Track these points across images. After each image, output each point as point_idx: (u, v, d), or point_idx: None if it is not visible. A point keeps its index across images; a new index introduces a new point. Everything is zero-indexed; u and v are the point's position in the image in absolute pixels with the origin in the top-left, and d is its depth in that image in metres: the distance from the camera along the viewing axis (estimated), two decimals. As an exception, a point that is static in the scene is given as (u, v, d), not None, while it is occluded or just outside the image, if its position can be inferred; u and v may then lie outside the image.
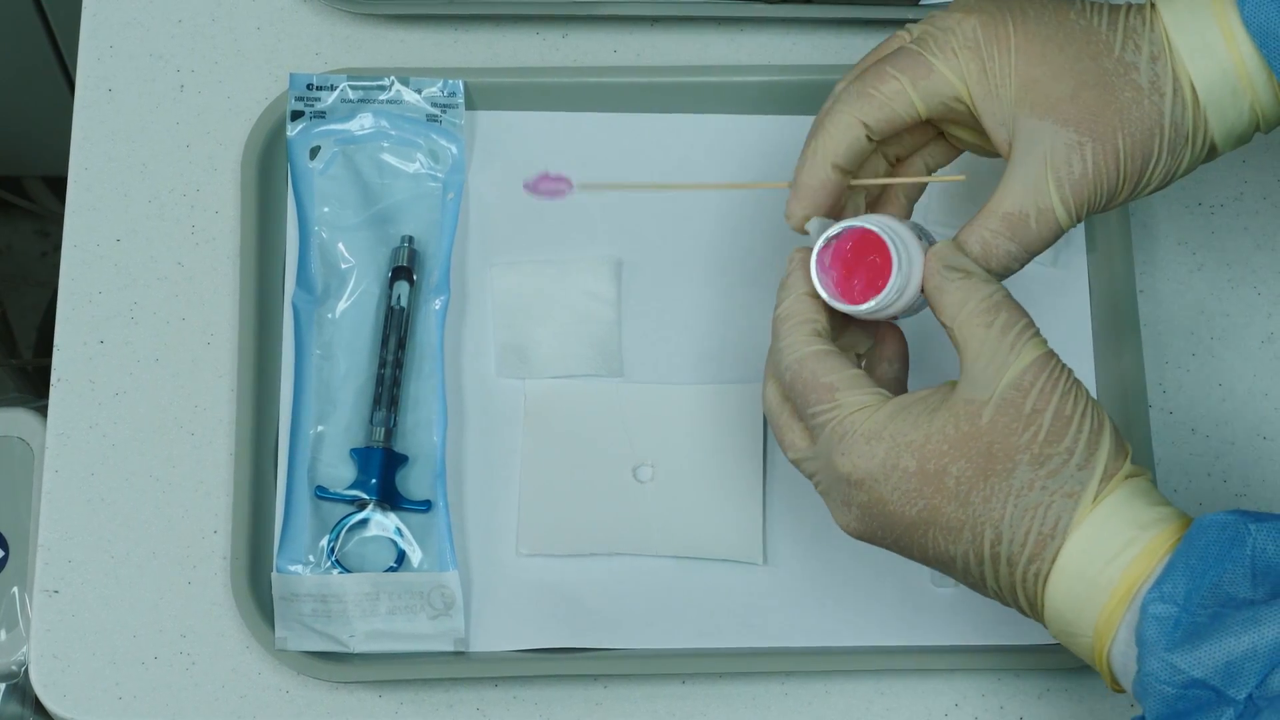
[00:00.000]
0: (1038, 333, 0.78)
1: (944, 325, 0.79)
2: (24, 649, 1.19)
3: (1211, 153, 0.83)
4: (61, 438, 0.97)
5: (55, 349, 0.98)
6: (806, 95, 1.01)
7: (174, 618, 0.95)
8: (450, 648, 0.94)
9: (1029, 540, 0.76)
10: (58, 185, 1.84)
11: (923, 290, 0.81)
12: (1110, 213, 0.99)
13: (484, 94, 1.01)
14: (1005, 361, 0.77)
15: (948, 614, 0.95)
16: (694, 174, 1.01)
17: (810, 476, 0.82)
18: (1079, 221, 0.82)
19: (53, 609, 0.95)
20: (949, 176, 0.86)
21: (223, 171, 1.01)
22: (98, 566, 0.95)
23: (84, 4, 1.04)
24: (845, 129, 0.82)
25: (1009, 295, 0.79)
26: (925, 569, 0.95)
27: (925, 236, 0.82)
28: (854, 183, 0.84)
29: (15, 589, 1.19)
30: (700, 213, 1.01)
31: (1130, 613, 0.75)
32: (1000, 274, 0.82)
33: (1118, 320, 0.98)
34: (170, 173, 1.01)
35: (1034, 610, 0.78)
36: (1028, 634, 0.94)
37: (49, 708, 0.94)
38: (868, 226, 0.80)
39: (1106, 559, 0.75)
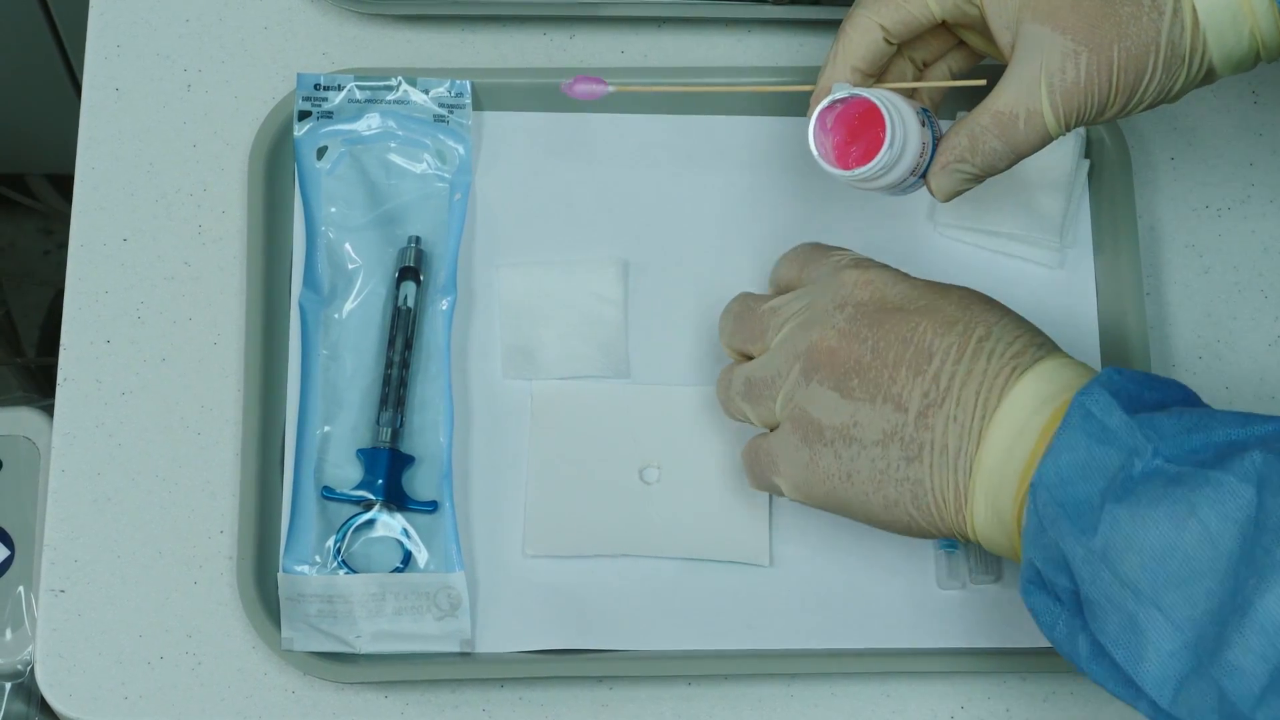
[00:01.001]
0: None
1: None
2: (30, 648, 1.18)
3: (1209, 76, 0.85)
4: (68, 437, 0.97)
5: (62, 348, 0.98)
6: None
7: (180, 618, 0.95)
8: (456, 649, 0.94)
9: (1017, 342, 0.81)
10: (61, 183, 1.84)
11: (924, 177, 0.86)
12: (1117, 216, 0.99)
13: (491, 95, 1.01)
14: None
15: (953, 617, 0.95)
16: (702, 175, 1.01)
17: (784, 317, 0.86)
18: (1067, 130, 0.84)
19: (59, 608, 0.95)
20: (970, 82, 0.88)
21: (230, 171, 1.01)
22: (104, 566, 0.95)
23: (91, 3, 1.04)
24: (864, 32, 0.86)
25: None
26: (931, 573, 0.95)
27: (931, 124, 0.86)
28: (876, 86, 0.87)
29: (21, 588, 1.19)
30: (707, 213, 1.01)
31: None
32: (986, 171, 0.85)
33: (1124, 323, 0.98)
34: (177, 172, 1.01)
35: (985, 412, 0.80)
36: (1034, 637, 0.94)
37: (54, 707, 0.94)
38: (872, 99, 0.84)
39: (1083, 373, 0.80)
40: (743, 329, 0.88)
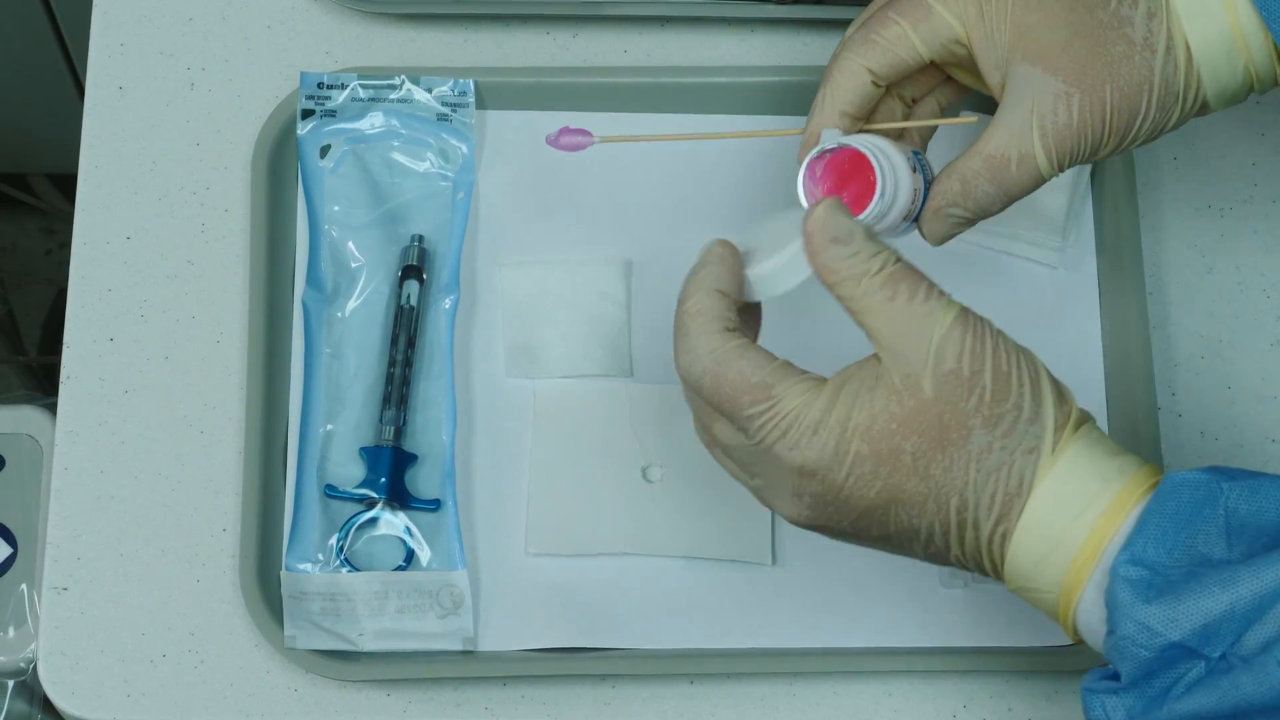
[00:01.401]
0: (942, 292, 0.76)
1: (841, 301, 0.77)
2: (32, 646, 1.18)
3: (1203, 109, 0.83)
4: (71, 435, 0.97)
5: (65, 346, 0.98)
6: (813, 96, 1.01)
7: (183, 615, 0.95)
8: (459, 647, 0.94)
9: (995, 502, 0.75)
10: (63, 183, 1.84)
11: (916, 220, 0.83)
12: (1120, 216, 0.99)
13: (494, 93, 1.01)
14: (924, 330, 0.75)
15: (956, 615, 0.95)
16: (705, 175, 1.01)
17: (744, 471, 0.79)
18: (1060, 171, 0.82)
19: (61, 606, 0.95)
20: (962, 119, 0.87)
21: (233, 170, 1.01)
22: (106, 564, 0.95)
23: (95, 2, 1.04)
24: (851, 76, 0.83)
25: (900, 259, 0.77)
26: (934, 572, 0.95)
27: (922, 168, 0.84)
28: (866, 127, 0.85)
29: (24, 586, 1.19)
30: (710, 213, 1.01)
31: (1098, 571, 0.74)
32: (979, 215, 0.83)
33: (1127, 323, 0.98)
34: (180, 171, 1.01)
35: (996, 571, 0.77)
36: (1037, 636, 0.94)
37: (57, 705, 0.94)
38: (862, 150, 0.81)
39: (1072, 515, 0.74)
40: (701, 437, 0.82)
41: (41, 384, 1.68)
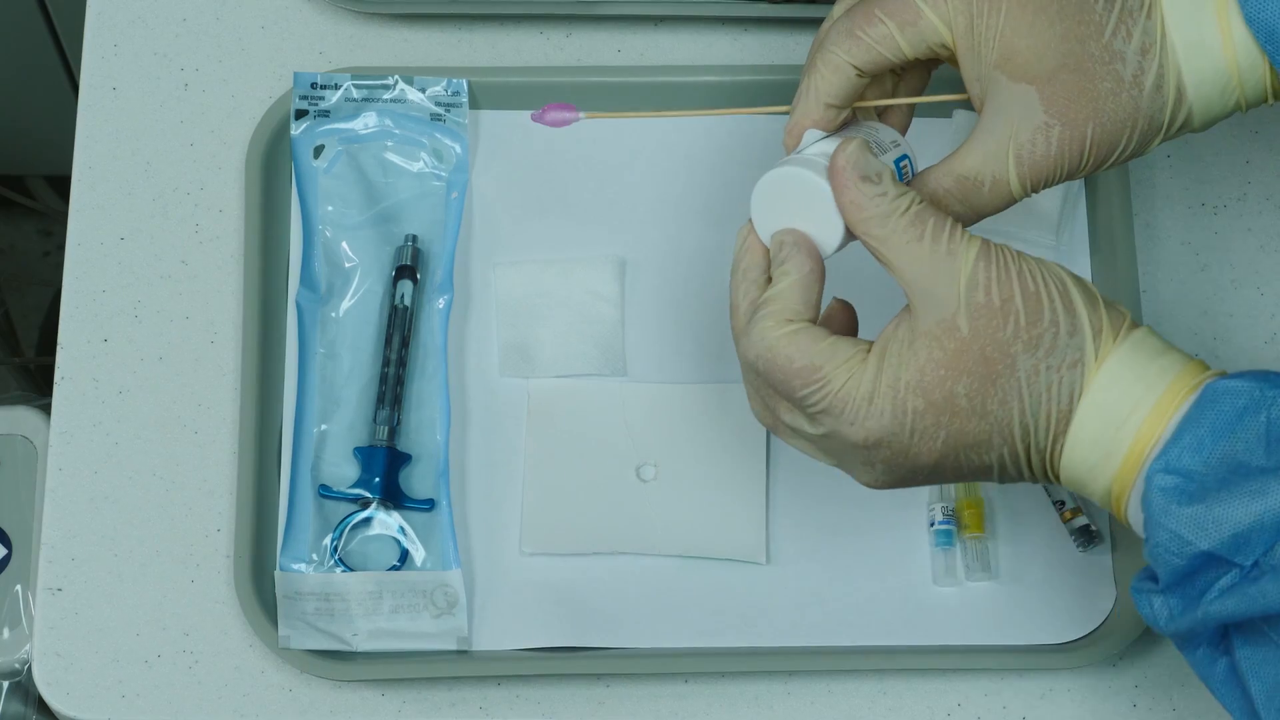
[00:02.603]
0: (964, 229, 0.78)
1: (870, 242, 0.78)
2: (27, 647, 1.19)
3: (1185, 131, 0.83)
4: (65, 436, 0.97)
5: (59, 347, 0.98)
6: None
7: (177, 616, 0.95)
8: (453, 646, 0.94)
9: (1051, 420, 0.76)
10: (60, 184, 1.84)
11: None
12: (1113, 213, 0.99)
13: (488, 93, 1.01)
14: (952, 269, 0.76)
15: (950, 614, 0.95)
16: (699, 174, 1.01)
17: (815, 448, 0.80)
18: (1032, 194, 0.82)
19: (56, 607, 0.95)
20: (951, 96, 0.85)
21: (227, 170, 1.01)
22: (101, 564, 0.95)
23: (89, 3, 1.04)
24: (835, 70, 0.83)
25: (923, 200, 0.78)
26: (928, 571, 0.95)
27: (903, 175, 0.83)
28: (857, 104, 0.85)
29: (18, 587, 1.19)
30: (704, 211, 1.01)
31: (1140, 478, 0.75)
32: None
33: (1121, 321, 0.98)
34: (174, 171, 1.01)
35: (1059, 479, 0.78)
36: (1030, 634, 0.94)
37: (52, 706, 0.94)
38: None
39: (1117, 424, 0.76)
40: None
41: (39, 385, 1.68)
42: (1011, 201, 0.82)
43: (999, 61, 0.80)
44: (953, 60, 0.83)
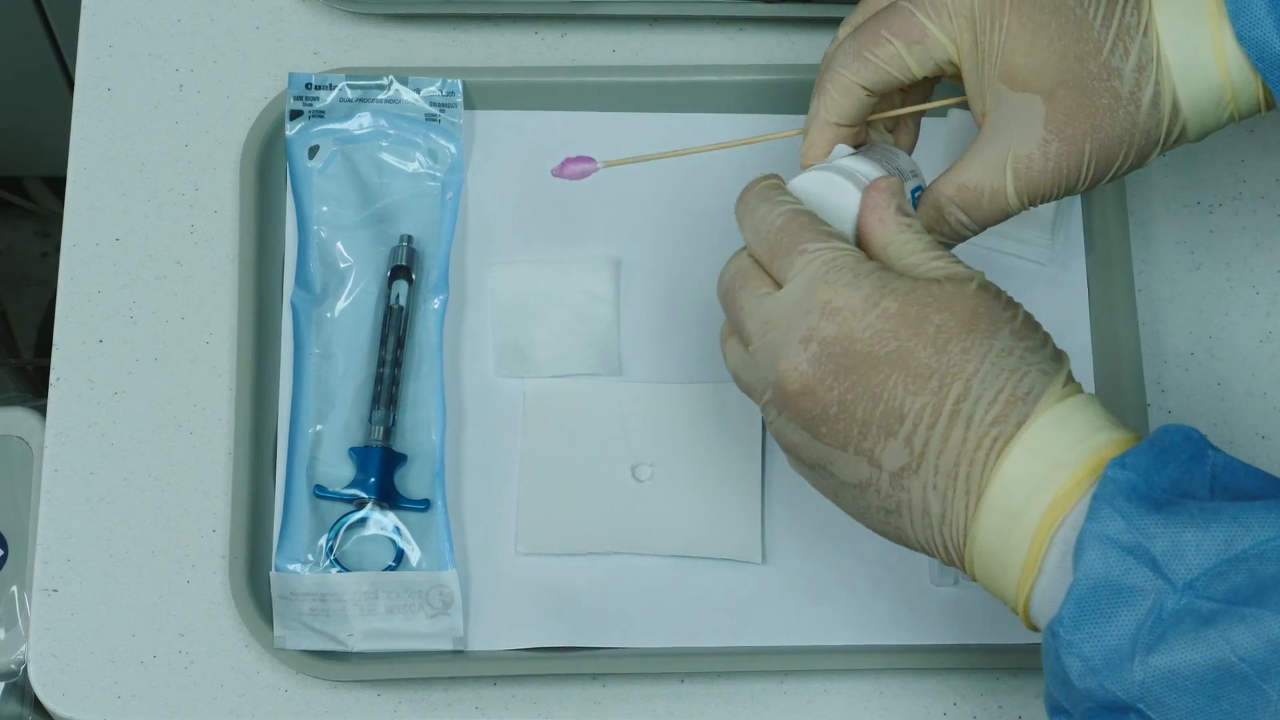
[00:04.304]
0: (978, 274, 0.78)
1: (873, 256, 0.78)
2: (23, 648, 1.19)
3: (1180, 143, 0.83)
4: (60, 437, 0.97)
5: (54, 348, 0.98)
6: (806, 95, 1.01)
7: (173, 617, 0.95)
8: (449, 647, 0.94)
9: (999, 400, 0.73)
10: (58, 185, 1.84)
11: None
12: (1109, 213, 0.99)
13: (483, 93, 1.01)
14: (970, 272, 0.76)
15: (946, 613, 0.95)
16: (694, 174, 1.01)
17: (754, 321, 0.78)
18: (1031, 207, 0.83)
19: (52, 608, 0.95)
20: (953, 101, 0.87)
21: (222, 171, 1.01)
22: (97, 565, 0.95)
23: (83, 3, 1.04)
24: (844, 92, 0.84)
25: (946, 253, 0.78)
26: (924, 569, 0.95)
27: (908, 175, 0.84)
28: (872, 118, 0.86)
29: (14, 588, 1.19)
30: (699, 211, 1.01)
31: (1090, 491, 0.72)
32: (953, 240, 0.84)
33: (1116, 320, 0.98)
34: (169, 172, 1.01)
35: (969, 488, 0.73)
36: (1027, 633, 0.94)
37: (48, 706, 0.94)
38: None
39: (1074, 440, 0.73)
40: (728, 311, 0.81)
41: (37, 387, 1.68)
42: (1009, 214, 0.83)
43: (1002, 76, 0.81)
44: (957, 77, 0.84)
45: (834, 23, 1.04)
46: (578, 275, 0.99)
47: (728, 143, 0.94)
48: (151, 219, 1.01)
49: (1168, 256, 1.02)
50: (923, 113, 0.89)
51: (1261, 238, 1.02)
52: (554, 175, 0.88)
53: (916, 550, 0.78)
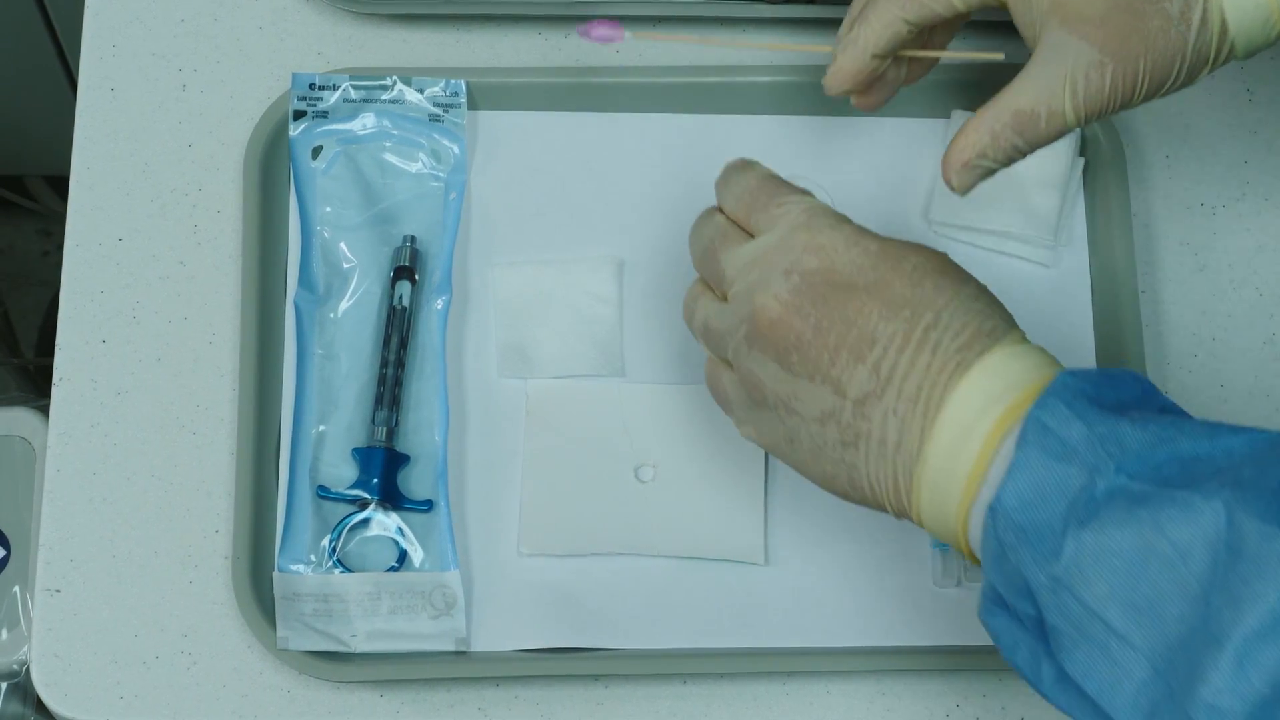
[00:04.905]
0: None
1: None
2: (25, 648, 1.19)
3: (1229, 60, 0.85)
4: (63, 437, 0.97)
5: (57, 348, 0.98)
6: (808, 95, 1.01)
7: (175, 617, 0.95)
8: (451, 647, 0.94)
9: (965, 331, 0.77)
10: (60, 185, 1.84)
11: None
12: (1112, 215, 0.99)
13: (486, 94, 1.01)
14: None
15: (948, 615, 0.95)
16: (697, 175, 1.01)
17: (743, 266, 0.82)
18: (1085, 125, 0.85)
19: (54, 608, 0.95)
20: (986, 55, 0.90)
21: (225, 171, 1.01)
22: (99, 566, 0.95)
23: (86, 3, 1.04)
24: (887, 24, 0.87)
25: None
26: (926, 572, 0.95)
27: None
28: (902, 53, 0.89)
29: (17, 588, 1.19)
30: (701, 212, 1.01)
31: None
32: (1004, 164, 0.86)
33: (1119, 321, 0.98)
34: (172, 172, 1.01)
35: (927, 410, 0.77)
36: (1029, 634, 0.94)
37: (50, 707, 0.94)
38: None
39: (1032, 367, 0.77)
40: (705, 267, 0.86)
41: (38, 386, 1.68)
42: (1065, 133, 0.85)
43: (1051, 8, 0.83)
44: (1003, 7, 0.86)
45: (835, 23, 1.04)
46: (580, 276, 0.99)
47: (756, 44, 0.96)
48: (155, 219, 1.01)
49: (1171, 258, 1.02)
50: (937, 60, 0.91)
51: (1265, 239, 1.02)
52: (579, 34, 0.91)
53: (860, 499, 0.80)
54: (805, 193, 0.83)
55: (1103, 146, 1.00)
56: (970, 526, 0.76)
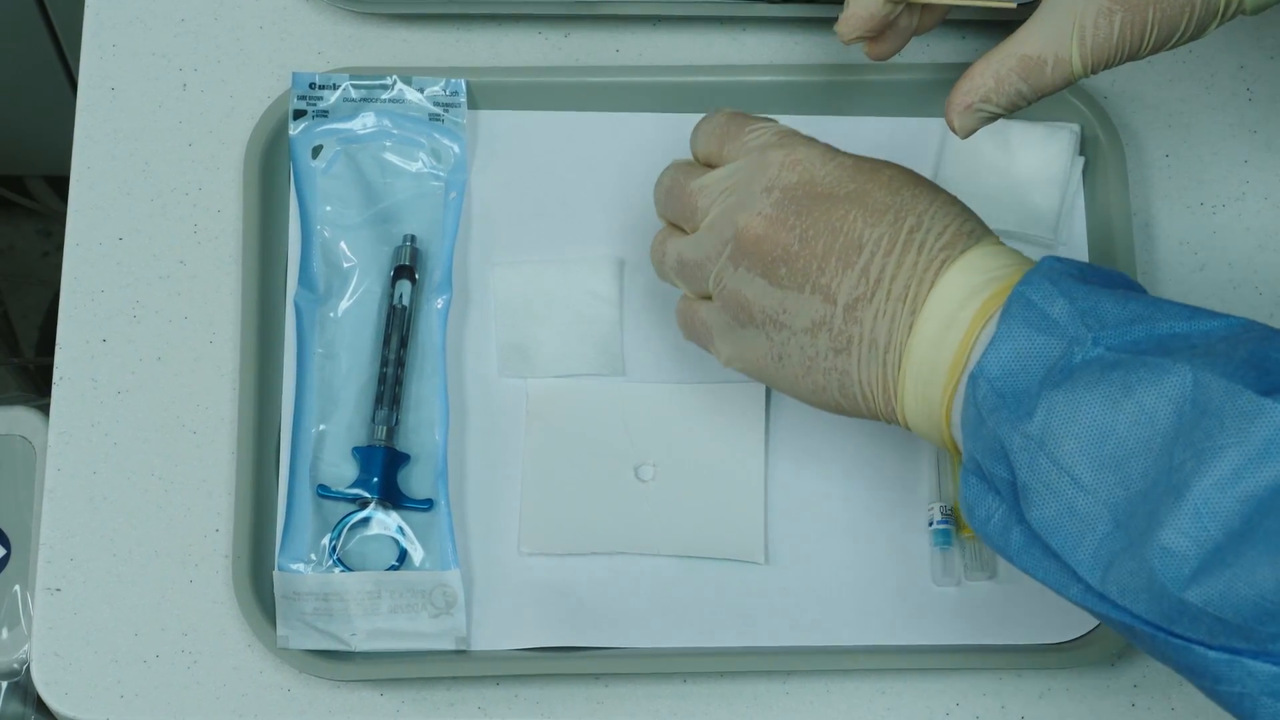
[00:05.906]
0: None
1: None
2: (26, 647, 1.19)
3: (1238, 15, 0.86)
4: (63, 436, 0.97)
5: (58, 347, 0.98)
6: (809, 95, 1.01)
7: (176, 616, 0.95)
8: (452, 646, 0.94)
9: (948, 232, 0.80)
10: (60, 185, 1.84)
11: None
12: (1112, 213, 0.99)
13: (486, 93, 1.01)
14: None
15: (948, 614, 0.95)
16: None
17: (718, 192, 0.85)
18: (1092, 75, 0.86)
19: (54, 607, 0.95)
20: (998, 2, 0.89)
21: (225, 170, 1.01)
22: (99, 565, 0.95)
23: (86, 3, 1.04)
24: None
25: None
26: (926, 571, 0.95)
27: None
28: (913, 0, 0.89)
29: (17, 587, 1.19)
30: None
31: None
32: (1008, 110, 0.86)
33: (1119, 320, 0.98)
34: (172, 171, 1.01)
35: (914, 306, 0.79)
36: (1029, 633, 0.94)
37: (51, 706, 0.94)
38: None
39: (1013, 260, 0.80)
40: (674, 205, 0.88)
41: (39, 386, 1.68)
42: (1071, 82, 0.85)
43: None
44: None
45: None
46: (581, 275, 0.99)
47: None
48: (155, 218, 1.01)
49: (1171, 257, 1.02)
50: (948, 9, 0.91)
51: (1265, 239, 1.02)
52: None
53: (851, 408, 0.83)
54: (773, 120, 0.86)
55: (1103, 145, 1.01)
56: (952, 415, 0.79)
